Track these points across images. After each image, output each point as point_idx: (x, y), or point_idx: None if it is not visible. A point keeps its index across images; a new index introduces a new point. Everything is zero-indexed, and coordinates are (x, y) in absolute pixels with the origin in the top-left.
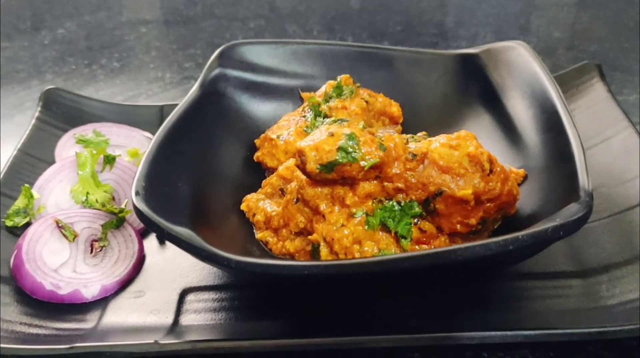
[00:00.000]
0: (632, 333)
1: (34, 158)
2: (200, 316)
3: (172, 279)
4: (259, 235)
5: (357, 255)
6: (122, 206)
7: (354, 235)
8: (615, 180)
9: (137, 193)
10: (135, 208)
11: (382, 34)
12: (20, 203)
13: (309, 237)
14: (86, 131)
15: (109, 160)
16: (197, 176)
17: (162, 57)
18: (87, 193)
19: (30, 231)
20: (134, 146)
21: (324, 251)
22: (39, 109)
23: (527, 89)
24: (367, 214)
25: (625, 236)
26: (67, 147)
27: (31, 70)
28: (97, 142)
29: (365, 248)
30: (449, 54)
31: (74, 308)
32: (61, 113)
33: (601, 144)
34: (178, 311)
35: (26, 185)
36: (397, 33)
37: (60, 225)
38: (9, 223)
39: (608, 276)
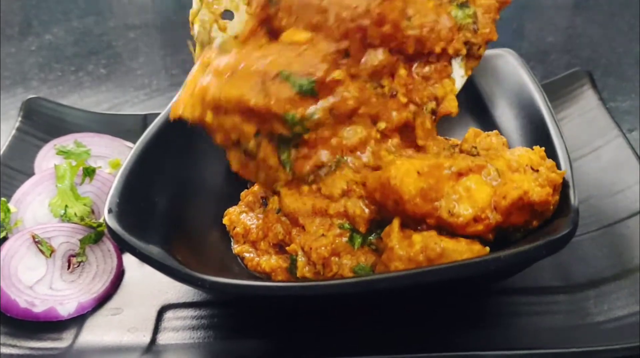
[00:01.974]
0: (620, 353)
1: (12, 170)
2: (179, 334)
3: (150, 295)
4: (236, 249)
5: (334, 267)
6: (101, 220)
7: (332, 246)
8: (605, 192)
9: (109, 211)
10: (108, 226)
11: None
12: None
13: (287, 248)
14: (67, 141)
15: (89, 172)
16: (176, 190)
17: (149, 64)
18: (66, 206)
19: (6, 246)
20: (116, 157)
21: (300, 261)
22: (19, 119)
23: (514, 98)
24: (352, 230)
25: (614, 249)
26: (47, 158)
27: (17, 77)
28: (78, 153)
29: (344, 262)
30: None
31: (49, 326)
32: (42, 123)
33: (591, 154)
34: (156, 330)
35: (3, 199)
36: None
37: (37, 239)
38: None
39: (596, 292)
